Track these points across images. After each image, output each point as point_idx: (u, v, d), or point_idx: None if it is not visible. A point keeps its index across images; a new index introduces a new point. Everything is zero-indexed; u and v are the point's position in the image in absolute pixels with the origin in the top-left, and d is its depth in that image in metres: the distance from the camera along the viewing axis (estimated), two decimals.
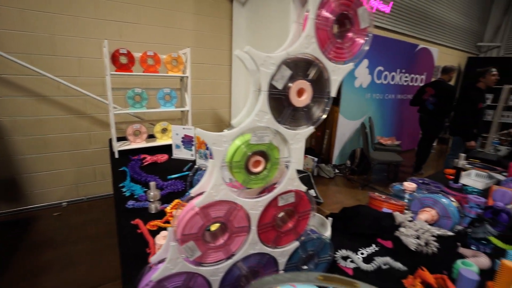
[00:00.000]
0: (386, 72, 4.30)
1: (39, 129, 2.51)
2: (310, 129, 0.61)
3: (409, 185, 1.37)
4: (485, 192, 1.48)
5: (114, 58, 1.98)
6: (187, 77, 2.43)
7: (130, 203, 1.24)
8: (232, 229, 0.59)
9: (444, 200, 1.10)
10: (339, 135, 3.88)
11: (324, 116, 0.61)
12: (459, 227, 1.09)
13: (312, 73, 0.57)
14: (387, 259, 0.88)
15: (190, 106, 2.38)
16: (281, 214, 0.70)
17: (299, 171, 2.29)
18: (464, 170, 1.79)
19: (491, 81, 2.91)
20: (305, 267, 0.76)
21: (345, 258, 0.90)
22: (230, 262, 0.61)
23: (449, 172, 1.82)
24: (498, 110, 4.69)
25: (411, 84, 4.87)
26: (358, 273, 0.84)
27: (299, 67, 0.56)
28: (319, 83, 0.59)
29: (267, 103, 0.54)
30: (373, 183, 3.56)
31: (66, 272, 1.83)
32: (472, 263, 0.85)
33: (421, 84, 5.04)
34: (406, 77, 4.71)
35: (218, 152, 0.53)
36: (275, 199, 0.62)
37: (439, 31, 6.04)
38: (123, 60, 2.03)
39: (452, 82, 3.80)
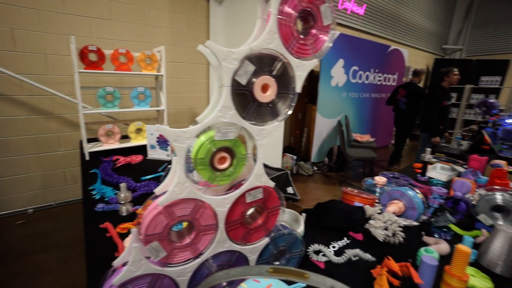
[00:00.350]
0: (361, 72, 4.45)
1: None
2: (276, 125, 0.61)
3: (380, 179, 1.43)
4: (448, 184, 1.57)
5: (83, 55, 1.88)
6: (162, 75, 2.37)
7: (100, 206, 1.19)
8: (199, 227, 0.58)
9: (410, 192, 1.16)
10: (317, 133, 3.96)
11: (290, 112, 0.62)
12: (424, 217, 1.15)
13: (276, 68, 0.58)
14: (357, 251, 0.91)
15: (165, 105, 2.33)
16: (250, 211, 0.70)
17: (277, 169, 2.29)
18: (430, 164, 1.89)
19: (454, 80, 3.12)
20: (276, 262, 0.77)
21: (317, 252, 0.92)
22: (198, 261, 0.60)
23: (417, 166, 1.92)
24: (461, 108, 5.04)
25: (384, 83, 5.08)
26: (330, 266, 0.86)
27: (263, 62, 0.56)
28: (284, 79, 0.60)
29: (231, 98, 0.54)
30: (350, 179, 3.67)
31: (31, 284, 1.71)
32: (433, 250, 0.90)
33: (394, 84, 5.29)
34: (379, 76, 4.90)
35: (180, 149, 0.52)
36: (242, 196, 0.62)
37: (408, 33, 6.37)
38: (93, 57, 1.94)
39: (421, 83, 4.10)
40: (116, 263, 0.56)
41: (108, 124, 2.14)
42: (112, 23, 2.66)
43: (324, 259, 0.89)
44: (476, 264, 0.90)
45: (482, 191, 1.18)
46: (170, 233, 0.56)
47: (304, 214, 1.11)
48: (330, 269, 0.85)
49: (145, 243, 0.52)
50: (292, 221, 1.05)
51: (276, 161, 2.90)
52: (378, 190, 1.40)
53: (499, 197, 1.10)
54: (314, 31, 0.61)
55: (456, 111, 5.65)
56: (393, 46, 5.03)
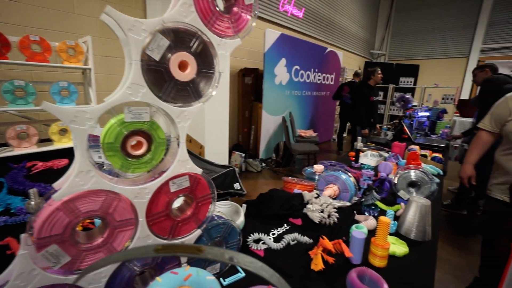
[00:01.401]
0: (302, 71, 4.71)
1: None
2: (199, 107, 0.58)
3: (318, 167, 1.51)
4: (377, 168, 1.75)
5: None
6: (89, 69, 2.11)
7: (1, 219, 0.98)
8: (113, 223, 0.51)
9: (343, 176, 1.25)
10: (264, 130, 4.04)
11: (214, 93, 0.59)
12: (356, 198, 1.25)
13: (194, 45, 0.54)
14: (295, 235, 0.93)
15: (96, 103, 2.08)
16: (179, 203, 0.65)
17: (224, 166, 2.24)
18: (362, 151, 2.09)
19: (378, 78, 3.57)
20: None
21: (257, 241, 0.92)
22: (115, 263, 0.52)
23: (352, 155, 2.10)
24: (387, 105, 5.77)
25: (324, 82, 5.47)
26: (269, 253, 0.86)
27: (180, 38, 0.52)
28: (205, 57, 0.56)
29: (142, 75, 0.48)
30: (296, 173, 3.85)
31: None
32: (363, 226, 0.98)
33: (332, 83, 5.75)
34: (319, 76, 5.26)
35: (80, 131, 0.44)
36: (166, 185, 0.56)
37: (342, 37, 7.02)
38: None
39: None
40: None
41: (20, 125, 1.82)
42: (21, 6, 2.25)
43: (264, 247, 0.88)
44: (397, 234, 1.01)
45: (401, 171, 1.34)
46: (76, 233, 0.48)
47: (244, 205, 1.10)
48: (269, 256, 0.85)
49: (38, 249, 0.43)
50: (232, 213, 1.02)
51: (222, 159, 2.86)
52: (317, 177, 1.47)
53: (412, 174, 1.26)
54: (235, 9, 0.59)
55: (384, 107, 6.44)
56: (329, 48, 5.44)
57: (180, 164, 0.57)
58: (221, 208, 1.03)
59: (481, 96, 2.40)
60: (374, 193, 1.15)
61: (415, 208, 0.97)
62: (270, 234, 0.96)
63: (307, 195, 1.13)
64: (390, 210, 1.05)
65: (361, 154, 2.04)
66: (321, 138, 5.37)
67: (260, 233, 0.93)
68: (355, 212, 1.14)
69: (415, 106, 3.91)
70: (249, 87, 4.19)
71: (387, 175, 1.40)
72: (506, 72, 2.75)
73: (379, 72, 3.56)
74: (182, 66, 0.54)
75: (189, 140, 2.88)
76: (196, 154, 2.59)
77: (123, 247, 0.53)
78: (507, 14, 6.93)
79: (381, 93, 6.56)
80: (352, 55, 7.81)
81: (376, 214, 1.15)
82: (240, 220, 0.93)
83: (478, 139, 1.45)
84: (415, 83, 6.78)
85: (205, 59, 0.56)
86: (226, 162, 2.86)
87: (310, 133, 4.51)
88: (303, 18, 5.43)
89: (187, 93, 0.55)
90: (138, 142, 0.51)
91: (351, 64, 7.59)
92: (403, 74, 6.88)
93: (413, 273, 0.81)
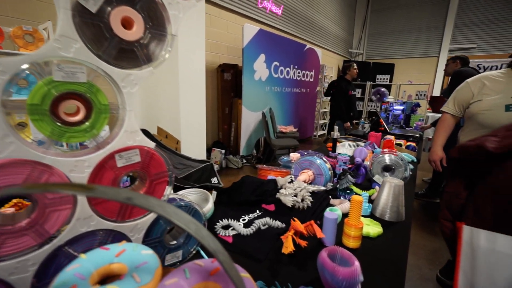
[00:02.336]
0: (282, 67, 4.70)
1: None
2: (149, 71, 0.52)
3: (294, 155, 1.48)
4: (353, 156, 1.76)
5: None
6: None
7: None
8: (43, 201, 0.44)
9: (318, 160, 1.22)
10: (244, 126, 3.99)
11: (167, 56, 0.53)
12: (331, 184, 1.23)
13: (139, 1, 0.48)
14: (266, 219, 0.88)
15: None
16: (135, 183, 0.58)
17: (201, 161, 2.16)
18: (339, 142, 2.10)
19: (354, 73, 3.66)
20: (174, 242, 0.67)
21: (226, 227, 0.87)
22: (47, 248, 0.45)
23: (329, 145, 2.10)
24: (365, 101, 5.94)
25: (303, 79, 5.51)
26: (238, 239, 0.81)
27: None
28: (154, 16, 0.50)
29: (74, 27, 0.42)
30: None
31: None
32: (337, 209, 0.95)
33: (312, 80, 5.81)
34: (298, 72, 5.29)
35: None
36: (111, 158, 0.50)
37: (321, 36, 7.13)
38: None
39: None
40: None
41: None
42: None
43: (233, 233, 0.84)
44: (372, 216, 1.00)
45: (375, 157, 1.34)
46: None
47: (214, 192, 1.05)
48: (238, 242, 0.80)
49: None
50: (201, 200, 0.96)
51: (200, 154, 2.78)
52: (292, 165, 1.44)
53: (387, 158, 1.26)
54: None
55: (362, 104, 6.62)
56: (308, 45, 5.49)
57: (128, 135, 0.50)
58: (190, 195, 0.97)
59: (451, 86, 2.50)
60: (349, 176, 1.13)
61: (388, 189, 0.96)
62: (240, 220, 0.91)
63: (280, 180, 1.10)
64: (364, 193, 1.04)
65: (339, 144, 2.05)
66: (301, 135, 5.40)
67: (230, 219, 0.88)
68: (330, 196, 1.12)
69: (391, 101, 4.04)
70: (228, 83, 4.12)
71: (363, 160, 1.40)
72: None
73: (355, 67, 3.64)
74: (127, 23, 0.48)
75: (165, 135, 2.77)
76: (172, 149, 2.49)
77: (58, 230, 0.46)
78: (470, 17, 7.37)
79: (359, 90, 6.75)
80: (331, 53, 7.96)
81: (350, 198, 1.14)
82: (208, 207, 0.87)
83: (443, 122, 1.51)
84: (391, 80, 7.04)
85: (154, 18, 0.50)
86: (204, 157, 2.78)
87: (290, 128, 4.52)
88: (282, 15, 5.45)
89: (134, 54, 0.49)
90: (78, 109, 0.45)
91: (330, 62, 7.73)
92: (380, 72, 7.13)
93: (387, 252, 0.80)
